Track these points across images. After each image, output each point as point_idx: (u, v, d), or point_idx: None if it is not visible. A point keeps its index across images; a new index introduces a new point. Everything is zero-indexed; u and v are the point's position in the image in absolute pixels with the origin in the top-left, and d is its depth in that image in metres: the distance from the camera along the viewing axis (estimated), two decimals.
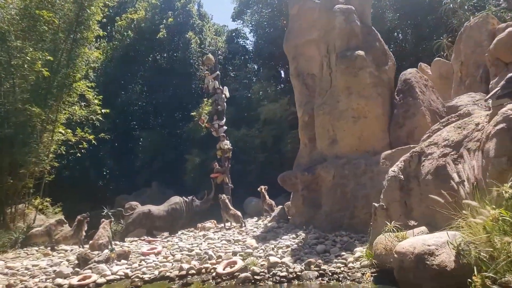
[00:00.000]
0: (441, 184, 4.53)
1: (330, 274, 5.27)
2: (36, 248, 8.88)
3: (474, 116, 5.05)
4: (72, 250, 8.68)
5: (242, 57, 25.28)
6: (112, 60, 22.20)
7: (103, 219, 9.26)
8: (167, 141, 21.46)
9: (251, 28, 23.99)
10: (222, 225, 10.62)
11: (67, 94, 11.94)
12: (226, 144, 14.43)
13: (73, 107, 12.27)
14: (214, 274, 5.99)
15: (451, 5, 14.31)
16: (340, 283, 4.97)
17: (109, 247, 8.23)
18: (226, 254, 6.77)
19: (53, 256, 8.12)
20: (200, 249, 7.47)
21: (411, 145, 6.72)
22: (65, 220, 10.10)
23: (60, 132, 11.85)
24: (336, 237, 6.89)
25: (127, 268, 6.73)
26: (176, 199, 11.42)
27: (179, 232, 10.48)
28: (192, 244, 8.24)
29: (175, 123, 22.44)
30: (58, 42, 11.61)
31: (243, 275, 5.65)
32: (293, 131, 17.28)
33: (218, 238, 8.60)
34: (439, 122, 5.67)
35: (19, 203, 11.01)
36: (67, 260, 7.50)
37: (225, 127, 15.06)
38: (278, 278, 5.46)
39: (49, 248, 8.70)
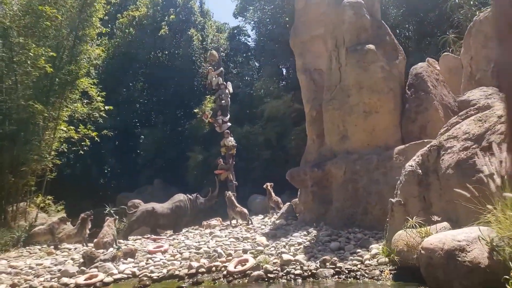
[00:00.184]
0: (464, 178, 4.37)
1: (347, 271, 5.12)
2: (39, 247, 8.71)
3: (495, 109, 4.89)
4: (75, 248, 8.52)
5: (244, 54, 25.12)
6: (114, 57, 22.02)
7: (108, 217, 9.10)
8: (169, 138, 21.32)
9: (253, 25, 23.83)
10: (228, 222, 10.46)
11: (69, 91, 11.81)
12: (231, 141, 14.26)
13: (75, 104, 12.12)
14: (225, 272, 5.83)
15: (456, 0, 14.16)
16: (358, 281, 4.82)
17: (114, 245, 8.08)
18: (236, 252, 6.62)
19: (56, 254, 7.97)
20: (208, 247, 7.32)
21: (425, 140, 6.56)
22: (68, 218, 9.94)
23: (62, 129, 11.70)
24: (349, 234, 6.74)
25: (134, 267, 6.57)
26: (180, 196, 11.26)
27: (184, 230, 10.32)
28: (199, 242, 8.09)
29: (177, 121, 22.30)
30: (61, 38, 11.48)
31: (255, 273, 5.50)
32: (297, 128, 17.17)
33: (226, 235, 8.45)
34: (457, 115, 5.50)
35: (20, 201, 10.84)
36: (72, 259, 7.35)
37: (229, 124, 14.90)
38: (292, 276, 5.31)
39: (52, 246, 8.53)
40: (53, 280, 6.08)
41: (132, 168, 21.01)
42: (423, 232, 4.25)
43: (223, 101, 14.83)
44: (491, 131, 4.59)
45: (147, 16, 23.02)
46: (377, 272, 4.85)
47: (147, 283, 5.85)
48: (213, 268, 6.09)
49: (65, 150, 12.24)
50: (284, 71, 24.05)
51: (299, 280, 5.21)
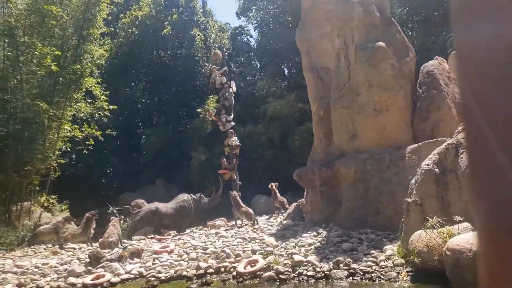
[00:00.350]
0: None
1: (361, 273, 5.00)
2: (44, 246, 8.62)
3: None
4: (80, 248, 8.41)
5: (246, 54, 25.03)
6: (116, 57, 21.93)
7: (113, 217, 8.99)
8: (172, 138, 21.21)
9: (256, 25, 23.74)
10: (233, 222, 10.34)
11: (73, 90, 11.75)
12: (234, 140, 14.13)
13: (79, 104, 12.06)
14: (234, 273, 5.72)
15: None
16: (373, 282, 4.70)
17: (119, 245, 7.97)
18: (244, 252, 6.50)
19: (62, 254, 7.86)
20: (215, 247, 7.22)
21: (439, 139, 6.44)
22: (72, 218, 9.84)
23: (66, 129, 11.62)
24: (361, 234, 6.60)
25: (140, 267, 6.47)
26: (184, 196, 11.13)
27: (188, 230, 10.20)
28: (205, 242, 7.97)
29: (179, 120, 22.20)
30: (65, 38, 11.45)
31: (266, 274, 5.39)
32: (301, 128, 17.07)
33: (232, 236, 8.34)
34: None
35: (24, 200, 10.75)
36: (78, 259, 7.24)
37: (232, 123, 14.78)
38: (304, 277, 5.19)
39: (57, 246, 8.42)
40: (59, 279, 5.98)
41: (134, 168, 20.90)
42: (445, 232, 4.11)
43: (227, 101, 14.71)
44: None
45: (149, 16, 22.94)
46: (394, 273, 4.72)
47: (155, 283, 5.75)
48: (222, 269, 5.98)
49: (69, 149, 12.15)
50: (287, 71, 24.00)
51: (312, 281, 5.09)
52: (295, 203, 10.15)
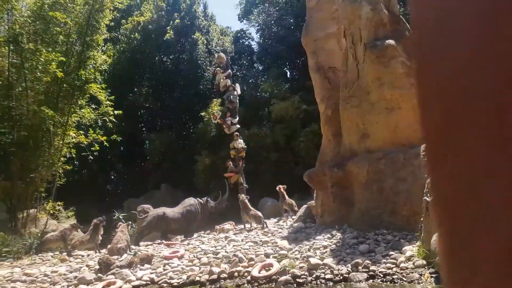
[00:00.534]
0: None
1: (382, 275, 4.86)
2: (52, 254, 8.50)
3: None
4: (88, 255, 8.28)
5: (249, 57, 25.01)
6: (119, 63, 21.94)
7: (120, 223, 8.88)
8: (176, 142, 21.16)
9: (258, 27, 23.72)
10: (242, 226, 10.19)
11: (78, 96, 11.72)
12: (240, 143, 14.01)
13: (83, 110, 12.01)
14: (249, 277, 5.60)
15: None
16: (395, 284, 4.55)
17: (128, 251, 7.84)
18: (258, 256, 6.36)
19: (70, 261, 7.74)
20: (226, 252, 7.08)
21: None
22: (79, 225, 9.73)
23: (71, 135, 11.55)
24: (377, 236, 6.45)
25: (151, 273, 6.34)
26: (190, 200, 11.00)
27: (195, 235, 10.05)
28: (215, 246, 7.83)
29: (183, 125, 22.15)
30: (69, 44, 11.45)
31: (282, 278, 5.25)
32: (306, 129, 16.96)
33: (242, 240, 8.20)
34: None
35: (30, 208, 10.65)
36: (87, 266, 7.11)
37: (238, 126, 14.67)
38: (322, 280, 5.06)
39: (65, 253, 8.30)
40: (70, 287, 5.84)
41: (139, 173, 20.83)
42: None
43: (232, 103, 14.61)
44: None
45: (151, 21, 22.98)
46: (416, 275, 4.58)
47: None
48: (235, 274, 5.86)
49: (74, 156, 12.07)
50: (289, 73, 23.97)
51: (330, 285, 4.95)
52: (305, 205, 9.99)
